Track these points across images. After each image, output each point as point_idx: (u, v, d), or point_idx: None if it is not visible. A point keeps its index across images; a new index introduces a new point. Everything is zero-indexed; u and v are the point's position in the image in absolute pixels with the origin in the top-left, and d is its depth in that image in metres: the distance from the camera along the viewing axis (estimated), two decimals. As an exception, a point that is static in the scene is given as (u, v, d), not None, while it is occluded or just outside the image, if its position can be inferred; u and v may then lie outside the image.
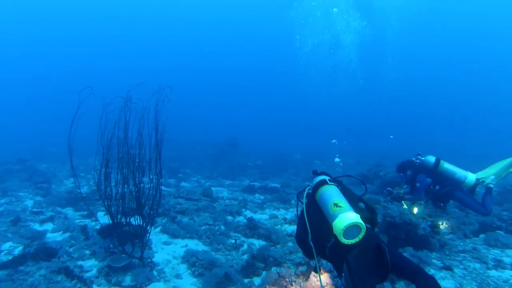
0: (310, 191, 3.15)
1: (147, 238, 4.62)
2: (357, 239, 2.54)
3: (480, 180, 5.44)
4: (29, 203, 7.97)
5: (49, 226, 6.35)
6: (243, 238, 6.01)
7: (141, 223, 4.55)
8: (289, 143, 26.86)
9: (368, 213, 2.85)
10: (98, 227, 6.20)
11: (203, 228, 6.36)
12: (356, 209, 2.73)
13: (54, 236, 5.84)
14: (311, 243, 2.83)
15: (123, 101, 4.24)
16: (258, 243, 5.81)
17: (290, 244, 5.49)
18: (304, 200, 3.05)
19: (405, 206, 5.79)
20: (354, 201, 2.90)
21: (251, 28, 56.14)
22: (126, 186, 4.49)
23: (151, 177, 4.61)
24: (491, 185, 5.40)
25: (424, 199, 5.74)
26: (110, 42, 56.23)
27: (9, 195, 8.42)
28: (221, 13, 53.15)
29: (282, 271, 4.44)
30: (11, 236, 5.60)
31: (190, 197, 7.41)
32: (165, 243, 5.65)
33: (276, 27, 54.14)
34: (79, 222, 6.62)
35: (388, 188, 6.01)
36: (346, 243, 2.53)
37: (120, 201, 4.58)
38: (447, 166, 5.58)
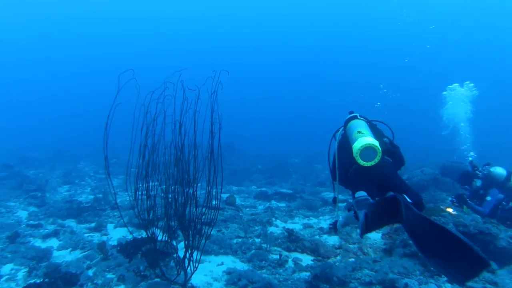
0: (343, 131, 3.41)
1: (197, 258, 3.72)
2: (372, 162, 2.74)
3: None
4: (23, 214, 6.94)
5: (53, 242, 5.39)
6: (285, 253, 5.21)
7: (188, 238, 3.68)
8: (284, 146, 25.99)
9: (390, 146, 3.12)
10: (113, 242, 5.30)
11: (235, 241, 5.53)
12: (378, 139, 2.91)
13: (62, 255, 4.89)
14: (336, 170, 3.15)
15: (172, 88, 3.35)
16: (304, 258, 5.03)
17: (349, 259, 4.72)
18: (338, 137, 3.42)
19: (465, 211, 5.15)
20: (379, 135, 3.19)
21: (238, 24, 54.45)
22: (170, 192, 3.59)
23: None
24: None
25: (486, 214, 5.12)
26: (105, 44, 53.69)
27: (-2, 205, 7.35)
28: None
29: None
30: (11, 257, 4.63)
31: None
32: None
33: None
34: (88, 236, 5.67)
35: (453, 199, 5.32)
36: (362, 164, 2.76)
37: (161, 211, 3.68)
38: None
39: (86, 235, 5.74)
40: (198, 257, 3.64)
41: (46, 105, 45.88)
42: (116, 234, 5.82)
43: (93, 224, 6.19)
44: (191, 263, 3.62)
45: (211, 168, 3.50)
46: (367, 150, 2.73)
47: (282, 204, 8.66)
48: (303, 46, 53.51)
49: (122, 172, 12.42)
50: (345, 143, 3.15)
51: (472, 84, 6.94)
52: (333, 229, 3.24)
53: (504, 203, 4.97)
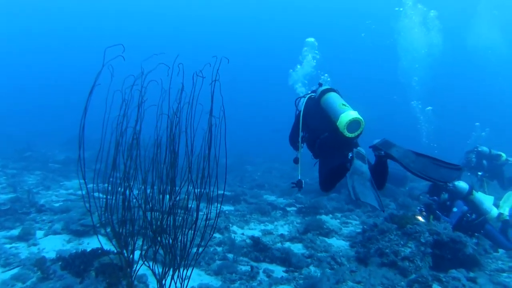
0: (313, 95, 3.68)
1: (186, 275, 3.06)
2: (354, 134, 3.07)
3: (502, 216, 5.43)
4: None
5: (-39, 256, 4.21)
6: (253, 263, 4.80)
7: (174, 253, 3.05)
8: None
9: None
10: (49, 255, 4.33)
11: (194, 250, 4.95)
12: None
13: (-23, 274, 3.82)
14: (301, 133, 3.50)
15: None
16: (275, 269, 4.67)
17: (326, 270, 4.48)
18: (302, 104, 3.64)
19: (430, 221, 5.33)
20: None
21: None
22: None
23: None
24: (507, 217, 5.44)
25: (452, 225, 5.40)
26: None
27: None
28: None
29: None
30: None
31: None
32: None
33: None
34: (11, 248, 4.58)
35: (421, 208, 5.47)
36: (346, 135, 3.05)
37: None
38: (478, 195, 5.50)
39: (8, 246, 4.62)
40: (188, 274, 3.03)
41: None
42: (49, 243, 4.81)
43: (15, 232, 5.04)
44: (177, 283, 3.00)
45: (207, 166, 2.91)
46: (354, 123, 3.03)
47: (229, 208, 8.20)
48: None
49: (39, 167, 10.74)
50: (317, 111, 3.44)
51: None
52: (296, 187, 3.49)
53: (468, 214, 5.28)
